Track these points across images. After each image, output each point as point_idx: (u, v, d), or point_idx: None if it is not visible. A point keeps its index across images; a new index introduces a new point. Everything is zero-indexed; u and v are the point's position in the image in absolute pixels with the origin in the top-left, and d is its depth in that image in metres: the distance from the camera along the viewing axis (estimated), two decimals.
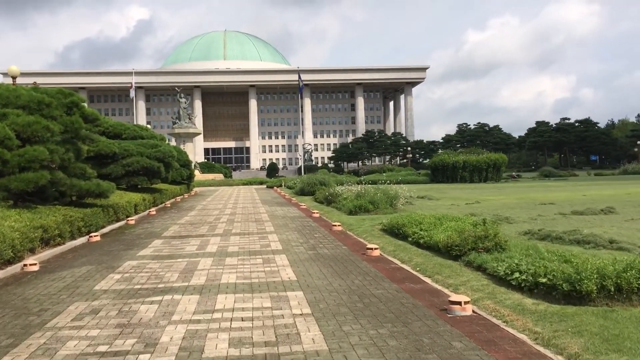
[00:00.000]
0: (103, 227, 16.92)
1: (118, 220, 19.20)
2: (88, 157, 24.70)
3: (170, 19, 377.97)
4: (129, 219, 19.75)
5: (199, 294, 7.99)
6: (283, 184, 51.09)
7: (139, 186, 27.49)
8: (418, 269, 9.68)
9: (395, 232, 13.91)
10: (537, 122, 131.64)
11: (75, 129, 15.25)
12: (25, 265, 10.42)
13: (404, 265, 10.14)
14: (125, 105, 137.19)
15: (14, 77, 18.76)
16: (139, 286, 8.72)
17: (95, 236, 14.96)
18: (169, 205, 29.59)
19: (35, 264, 10.54)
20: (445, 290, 7.97)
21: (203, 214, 23.32)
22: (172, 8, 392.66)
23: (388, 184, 26.19)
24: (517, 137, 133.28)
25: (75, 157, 16.44)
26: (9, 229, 10.67)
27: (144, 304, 7.43)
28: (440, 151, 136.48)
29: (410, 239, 12.57)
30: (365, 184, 27.36)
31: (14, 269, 10.26)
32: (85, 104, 16.29)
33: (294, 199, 31.33)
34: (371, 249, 11.49)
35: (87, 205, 16.32)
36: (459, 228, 12.06)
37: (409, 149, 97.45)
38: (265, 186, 56.71)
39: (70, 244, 13.60)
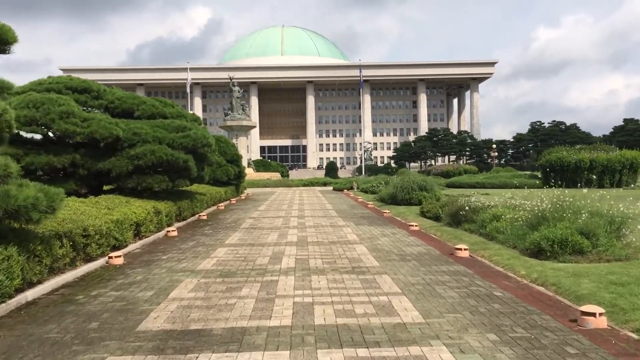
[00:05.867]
0: (19, 290, 7.67)
1: (90, 260, 9.97)
2: (76, 144, 15.90)
3: (234, 21, 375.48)
4: (114, 255, 10.49)
5: None
6: (355, 187, 41.20)
7: (176, 188, 18.27)
8: None
9: None
10: (625, 120, 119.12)
11: None
12: None
13: None
14: (182, 102, 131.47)
15: None
16: None
17: None
18: (204, 217, 20.38)
19: None
20: None
21: (251, 240, 13.88)
22: (235, 9, 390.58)
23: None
24: (601, 136, 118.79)
25: None
26: None
27: None
28: (511, 150, 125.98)
29: None
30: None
31: None
32: None
33: (385, 210, 21.39)
34: None
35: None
36: None
37: (494, 147, 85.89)
38: (331, 188, 46.93)
39: None
